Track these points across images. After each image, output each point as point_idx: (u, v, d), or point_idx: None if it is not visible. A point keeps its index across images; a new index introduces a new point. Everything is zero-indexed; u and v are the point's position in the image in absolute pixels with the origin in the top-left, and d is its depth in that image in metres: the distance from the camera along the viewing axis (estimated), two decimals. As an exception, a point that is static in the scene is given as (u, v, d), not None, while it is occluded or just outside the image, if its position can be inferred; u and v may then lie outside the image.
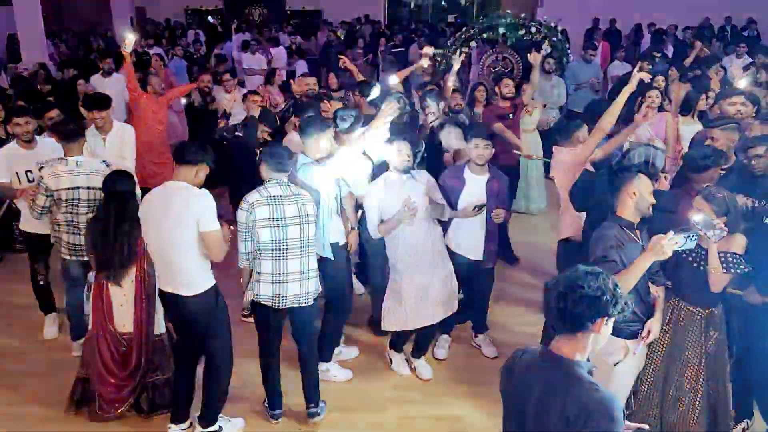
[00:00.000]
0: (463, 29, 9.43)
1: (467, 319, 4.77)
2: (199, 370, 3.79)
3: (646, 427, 2.29)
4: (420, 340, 4.43)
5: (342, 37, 14.35)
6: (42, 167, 4.17)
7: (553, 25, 8.96)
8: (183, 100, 6.81)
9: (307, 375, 3.90)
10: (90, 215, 4.07)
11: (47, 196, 4.15)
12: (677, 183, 4.24)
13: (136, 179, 4.16)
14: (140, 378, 3.91)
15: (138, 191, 4.22)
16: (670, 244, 2.84)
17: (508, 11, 9.42)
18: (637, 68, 4.84)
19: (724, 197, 3.25)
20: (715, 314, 3.38)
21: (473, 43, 9.00)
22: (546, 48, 8.70)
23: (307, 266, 3.68)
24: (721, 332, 3.42)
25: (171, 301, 3.56)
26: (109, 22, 16.00)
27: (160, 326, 3.97)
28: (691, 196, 3.48)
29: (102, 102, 5.23)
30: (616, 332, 2.77)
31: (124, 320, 3.88)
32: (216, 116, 6.96)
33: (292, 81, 7.03)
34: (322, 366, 4.21)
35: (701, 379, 3.38)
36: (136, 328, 3.88)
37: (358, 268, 5.36)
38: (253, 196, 3.57)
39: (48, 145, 4.82)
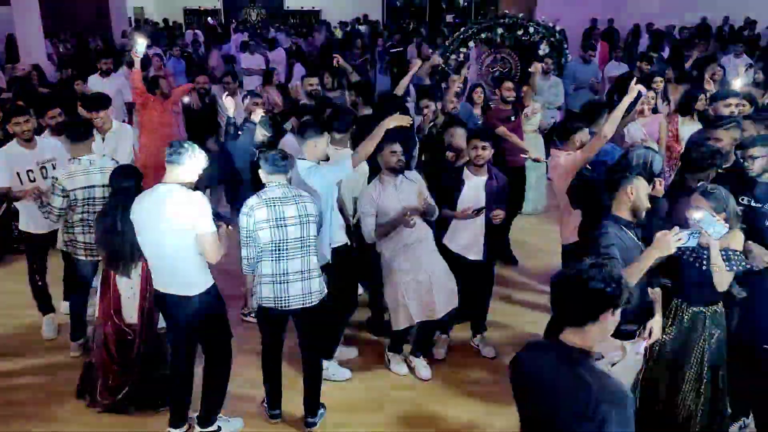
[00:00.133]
0: (461, 29, 9.43)
1: (466, 319, 4.78)
2: (198, 370, 3.79)
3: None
4: (420, 338, 4.44)
5: (339, 38, 14.37)
6: (43, 167, 4.17)
7: (551, 25, 8.97)
8: (186, 99, 6.83)
9: (309, 381, 3.88)
10: None
11: (63, 197, 4.16)
12: (675, 183, 4.25)
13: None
14: (141, 367, 3.97)
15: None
16: (674, 239, 2.87)
17: (507, 11, 9.42)
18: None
19: (721, 193, 3.26)
20: (718, 312, 3.39)
21: (471, 44, 9.00)
22: (544, 48, 8.72)
23: (309, 266, 3.66)
24: (722, 330, 3.43)
25: (170, 302, 3.53)
26: (107, 23, 16.03)
27: (162, 319, 4.00)
28: (688, 195, 3.49)
29: (101, 102, 5.24)
30: (614, 333, 2.78)
31: (131, 312, 3.95)
32: (214, 115, 6.96)
33: (290, 86, 7.05)
34: (323, 364, 4.21)
35: (704, 379, 3.39)
36: (139, 318, 3.94)
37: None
38: (252, 200, 3.59)
39: (48, 144, 4.83)
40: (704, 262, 3.27)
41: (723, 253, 3.23)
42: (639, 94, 5.33)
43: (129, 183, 3.80)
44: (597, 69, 9.46)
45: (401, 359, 4.50)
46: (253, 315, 4.88)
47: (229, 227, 3.61)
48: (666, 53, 10.71)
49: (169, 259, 3.43)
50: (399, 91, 6.10)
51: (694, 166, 3.77)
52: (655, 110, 5.82)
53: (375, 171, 4.52)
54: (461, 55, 8.90)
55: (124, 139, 5.38)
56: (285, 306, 3.65)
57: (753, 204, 3.70)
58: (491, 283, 4.79)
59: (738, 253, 3.26)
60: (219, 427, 3.78)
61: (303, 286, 3.65)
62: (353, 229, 4.54)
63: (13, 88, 7.36)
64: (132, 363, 3.98)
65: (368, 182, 4.57)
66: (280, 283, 3.62)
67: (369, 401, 4.18)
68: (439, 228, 4.51)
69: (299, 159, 4.04)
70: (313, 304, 3.70)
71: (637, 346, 3.27)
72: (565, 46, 9.08)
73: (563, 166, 4.31)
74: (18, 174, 4.58)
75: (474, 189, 4.33)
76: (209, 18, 16.72)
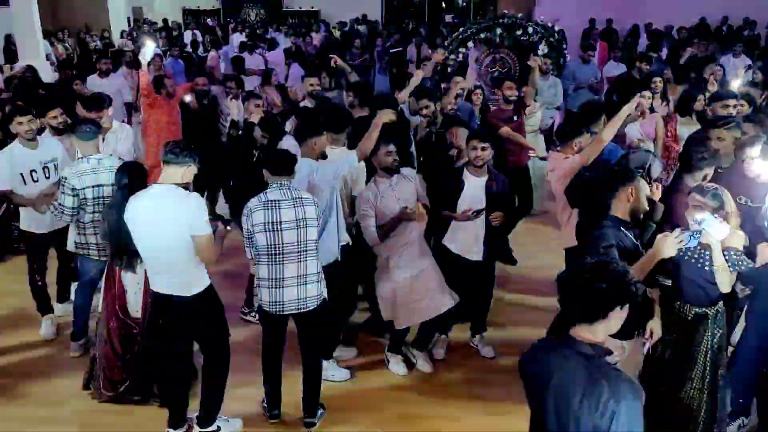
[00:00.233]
0: (460, 30, 9.44)
1: (466, 319, 4.78)
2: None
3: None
4: (422, 333, 4.47)
5: (338, 37, 14.37)
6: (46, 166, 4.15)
7: (550, 25, 8.98)
8: (187, 98, 6.85)
9: (309, 381, 3.88)
10: None
11: (74, 195, 4.17)
12: (674, 182, 4.25)
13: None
14: (143, 360, 4.00)
15: None
16: (676, 241, 2.88)
17: (505, 11, 9.43)
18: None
19: (718, 192, 3.26)
20: (720, 312, 3.39)
21: (470, 44, 9.00)
22: (543, 48, 8.72)
23: (305, 270, 3.64)
24: (724, 329, 3.44)
25: (167, 303, 3.52)
26: (106, 23, 16.02)
27: None
28: (685, 195, 3.50)
29: (101, 102, 5.25)
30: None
31: (137, 306, 3.97)
32: (214, 116, 6.96)
33: (289, 87, 7.05)
34: (323, 364, 4.22)
35: (706, 379, 3.39)
36: (143, 312, 3.96)
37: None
38: (252, 202, 3.59)
39: (50, 144, 4.83)
40: (706, 263, 3.27)
41: (725, 253, 3.23)
42: (635, 91, 5.37)
43: (135, 178, 3.79)
44: (596, 69, 9.46)
45: (401, 359, 4.50)
46: (252, 314, 4.90)
47: (227, 228, 3.61)
48: (664, 53, 10.74)
49: (164, 259, 3.42)
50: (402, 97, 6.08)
51: (691, 166, 3.78)
52: (651, 109, 5.83)
53: (371, 172, 4.53)
54: (460, 56, 8.91)
55: (124, 139, 5.38)
56: (280, 311, 3.66)
57: (750, 204, 3.71)
58: (491, 284, 4.79)
59: (739, 252, 3.24)
60: (219, 427, 3.78)
61: (298, 291, 3.63)
62: (353, 230, 4.55)
63: (12, 88, 7.34)
64: (134, 357, 4.01)
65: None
66: (275, 287, 3.62)
67: (369, 401, 4.18)
68: (439, 229, 4.51)
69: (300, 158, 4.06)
70: (308, 309, 3.68)
71: (637, 345, 3.28)
72: (564, 46, 9.09)
73: (562, 169, 4.32)
74: (21, 174, 4.57)
75: (474, 190, 4.34)
76: (208, 19, 16.72)
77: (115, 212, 3.74)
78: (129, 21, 17.39)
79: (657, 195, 3.76)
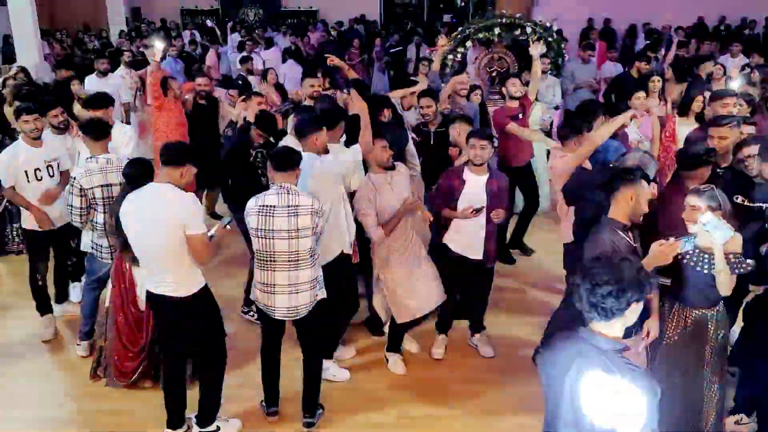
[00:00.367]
0: (459, 29, 9.44)
1: (465, 318, 4.79)
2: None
3: None
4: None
5: (335, 37, 14.36)
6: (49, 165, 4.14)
7: (548, 25, 8.98)
8: (187, 96, 6.86)
9: (309, 381, 3.87)
10: None
11: (81, 196, 4.18)
12: (672, 182, 4.26)
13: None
14: (151, 347, 4.06)
15: None
16: (671, 249, 2.88)
17: (504, 11, 9.43)
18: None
19: (715, 192, 3.25)
20: (721, 312, 3.38)
21: (469, 44, 9.00)
22: (542, 48, 8.71)
23: (297, 279, 3.58)
24: (726, 329, 3.44)
25: (164, 303, 3.50)
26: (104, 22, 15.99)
27: None
28: (683, 195, 3.50)
29: (102, 102, 5.25)
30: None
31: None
32: (213, 116, 6.96)
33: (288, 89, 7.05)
34: (323, 364, 4.22)
35: (708, 379, 3.39)
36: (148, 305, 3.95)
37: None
38: (251, 203, 3.59)
39: (53, 142, 4.84)
40: (706, 266, 3.25)
41: (726, 256, 3.22)
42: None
43: (142, 174, 3.77)
44: (595, 69, 9.47)
45: (400, 359, 4.51)
46: (252, 314, 4.90)
47: (226, 227, 3.60)
48: (661, 54, 10.74)
49: (159, 259, 3.41)
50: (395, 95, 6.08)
51: (689, 165, 3.78)
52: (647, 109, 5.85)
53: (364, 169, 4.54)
54: (459, 55, 8.91)
55: (128, 141, 5.37)
56: (272, 314, 3.66)
57: (747, 204, 3.71)
58: (491, 283, 4.79)
59: (738, 255, 3.22)
60: (218, 427, 3.78)
61: (290, 299, 3.60)
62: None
63: (11, 87, 7.31)
64: (144, 348, 4.08)
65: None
66: (267, 292, 3.62)
67: (368, 401, 4.18)
68: (439, 228, 4.52)
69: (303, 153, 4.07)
70: (300, 317, 3.67)
71: (635, 345, 3.28)
72: (563, 46, 9.09)
73: (559, 168, 4.37)
74: (26, 172, 4.57)
75: (474, 188, 4.34)
76: (207, 20, 16.69)
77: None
78: (127, 21, 17.34)
79: (653, 195, 3.77)
